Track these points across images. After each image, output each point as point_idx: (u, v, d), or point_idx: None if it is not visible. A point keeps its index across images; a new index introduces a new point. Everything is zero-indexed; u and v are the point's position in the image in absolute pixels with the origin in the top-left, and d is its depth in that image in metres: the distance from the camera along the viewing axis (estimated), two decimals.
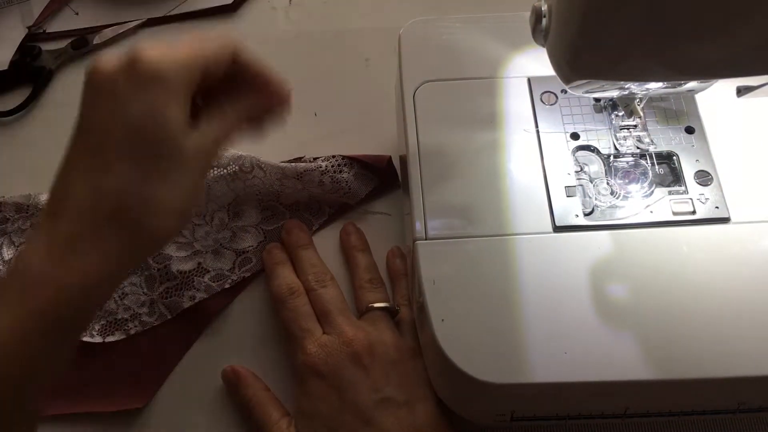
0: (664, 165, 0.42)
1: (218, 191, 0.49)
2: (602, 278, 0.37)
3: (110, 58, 0.32)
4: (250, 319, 0.47)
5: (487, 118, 0.43)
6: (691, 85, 0.39)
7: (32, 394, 0.32)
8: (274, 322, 0.47)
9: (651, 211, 0.40)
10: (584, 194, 0.41)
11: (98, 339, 0.46)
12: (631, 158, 0.42)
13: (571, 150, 0.42)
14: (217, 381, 0.45)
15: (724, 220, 0.39)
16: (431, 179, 0.41)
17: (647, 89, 0.39)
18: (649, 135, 0.41)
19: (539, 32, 0.35)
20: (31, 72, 0.59)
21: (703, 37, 0.29)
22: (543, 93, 0.44)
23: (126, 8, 0.63)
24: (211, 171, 0.49)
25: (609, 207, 0.40)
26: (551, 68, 0.35)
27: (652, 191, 0.40)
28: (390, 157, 0.50)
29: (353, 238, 0.49)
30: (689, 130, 0.42)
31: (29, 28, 0.62)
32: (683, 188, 0.40)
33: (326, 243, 0.50)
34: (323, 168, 0.49)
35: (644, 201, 0.40)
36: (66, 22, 0.63)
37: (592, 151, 0.42)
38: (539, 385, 0.35)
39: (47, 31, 0.62)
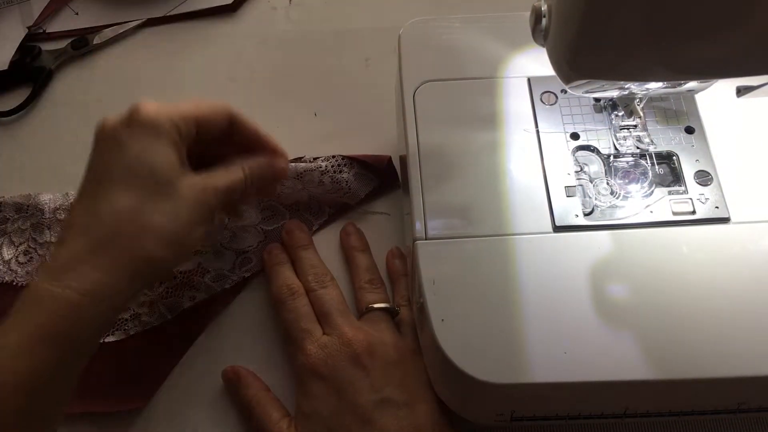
0: (664, 165, 0.42)
1: None
2: (602, 278, 0.37)
3: (115, 115, 0.38)
4: (250, 319, 0.47)
5: (487, 118, 0.43)
6: (691, 85, 0.39)
7: (46, 403, 0.34)
8: (274, 322, 0.47)
9: (651, 211, 0.40)
10: (584, 194, 0.41)
11: None
12: (631, 158, 0.42)
13: (571, 150, 0.42)
14: (217, 381, 0.45)
15: (724, 220, 0.39)
16: (431, 179, 0.41)
17: (647, 89, 0.39)
18: (649, 135, 0.41)
19: (539, 32, 0.35)
20: (31, 72, 0.59)
21: (703, 37, 0.29)
22: (543, 93, 0.44)
23: (126, 8, 0.63)
24: None
25: (609, 207, 0.40)
26: (551, 68, 0.35)
27: (652, 191, 0.40)
28: (390, 157, 0.50)
29: (353, 238, 0.49)
30: (689, 130, 0.42)
31: (29, 28, 0.62)
32: (683, 188, 0.40)
33: (326, 243, 0.50)
34: (323, 168, 0.49)
35: (644, 201, 0.40)
36: (66, 22, 0.63)
37: (592, 151, 0.42)
38: (539, 385, 0.35)
39: (47, 31, 0.62)
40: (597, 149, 0.42)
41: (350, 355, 0.41)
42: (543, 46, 0.35)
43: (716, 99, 0.43)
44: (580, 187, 0.41)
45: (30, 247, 0.50)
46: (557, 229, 0.39)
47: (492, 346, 0.36)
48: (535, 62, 0.45)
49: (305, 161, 0.50)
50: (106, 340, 0.46)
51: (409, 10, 0.58)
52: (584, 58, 0.32)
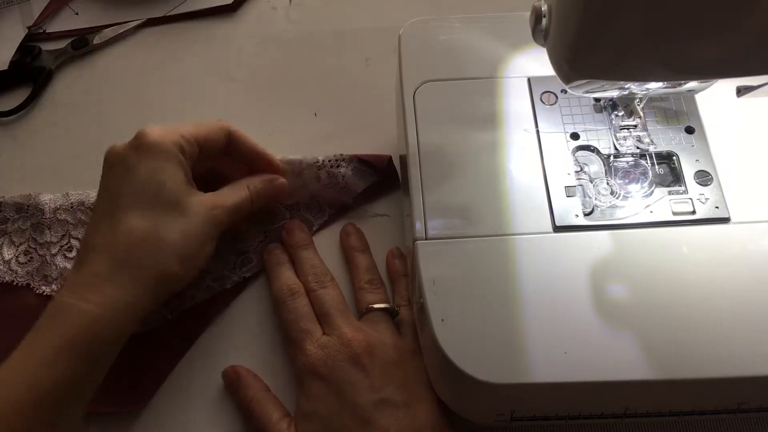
0: (664, 165, 0.42)
1: None
2: (602, 278, 0.37)
3: (122, 142, 0.41)
4: (250, 319, 0.47)
5: (487, 118, 0.43)
6: (691, 85, 0.39)
7: (70, 410, 0.37)
8: (274, 322, 0.47)
9: (651, 211, 0.40)
10: (584, 194, 0.41)
11: None
12: (631, 158, 0.42)
13: (571, 150, 0.42)
14: (217, 381, 0.45)
15: (724, 220, 0.39)
16: (431, 179, 0.41)
17: (647, 89, 0.39)
18: (649, 135, 0.41)
19: (539, 32, 0.35)
20: (31, 72, 0.59)
21: (703, 37, 0.29)
22: (543, 93, 0.44)
23: (126, 8, 0.63)
24: None
25: (609, 207, 0.40)
26: (551, 68, 0.35)
27: (652, 191, 0.40)
28: (390, 157, 0.50)
29: (353, 238, 0.49)
30: (689, 130, 0.42)
31: (29, 28, 0.62)
32: (683, 188, 0.40)
33: (326, 243, 0.50)
34: (320, 162, 0.49)
35: (644, 201, 0.40)
36: (66, 22, 0.63)
37: (592, 151, 0.42)
38: (539, 385, 0.35)
39: (47, 31, 0.62)
40: (597, 149, 0.42)
41: (350, 356, 0.41)
42: (543, 46, 0.35)
43: (716, 99, 0.43)
44: (580, 187, 0.41)
45: (30, 247, 0.50)
46: (557, 229, 0.39)
47: (492, 346, 0.36)
48: (535, 62, 0.45)
49: (305, 161, 0.50)
50: None
51: (409, 10, 0.58)
52: (584, 58, 0.32)
